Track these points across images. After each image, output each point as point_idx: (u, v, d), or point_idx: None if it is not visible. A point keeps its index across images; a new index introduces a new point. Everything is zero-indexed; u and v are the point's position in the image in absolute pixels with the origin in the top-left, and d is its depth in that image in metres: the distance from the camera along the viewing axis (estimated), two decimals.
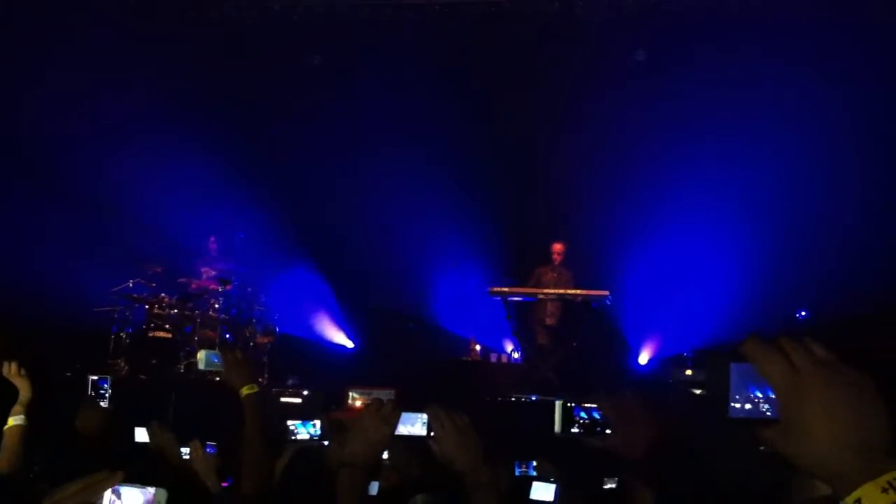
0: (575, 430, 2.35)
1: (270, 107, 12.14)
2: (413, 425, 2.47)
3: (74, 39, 10.68)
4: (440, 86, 10.96)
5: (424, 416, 2.44)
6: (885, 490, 1.06)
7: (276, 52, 11.79)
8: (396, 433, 2.46)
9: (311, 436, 4.19)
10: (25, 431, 3.12)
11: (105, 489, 1.83)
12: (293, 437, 4.16)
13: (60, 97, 10.72)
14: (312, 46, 11.99)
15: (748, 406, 1.21)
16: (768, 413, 1.19)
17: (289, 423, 4.23)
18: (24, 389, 3.18)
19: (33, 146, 10.75)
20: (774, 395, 1.17)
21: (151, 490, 1.90)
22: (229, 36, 11.56)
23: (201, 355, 3.62)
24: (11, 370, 3.21)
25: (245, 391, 3.24)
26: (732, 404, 1.22)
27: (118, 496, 1.87)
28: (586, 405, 2.35)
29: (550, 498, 3.58)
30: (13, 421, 3.12)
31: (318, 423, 4.06)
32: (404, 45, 11.34)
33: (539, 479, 3.75)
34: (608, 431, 2.29)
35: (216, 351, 3.51)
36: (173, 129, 10.72)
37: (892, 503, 1.05)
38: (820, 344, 1.17)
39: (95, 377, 4.36)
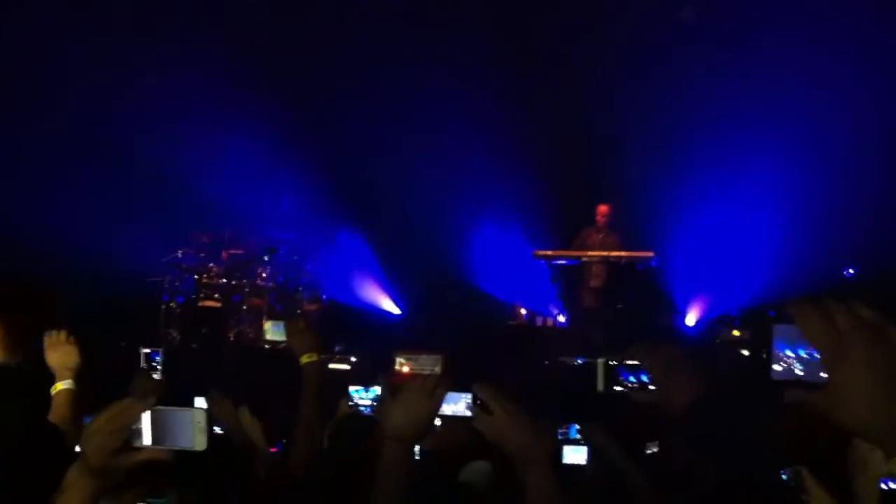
0: (618, 388, 2.33)
1: (315, 73, 12.13)
2: (457, 404, 2.46)
3: (124, 11, 10.77)
4: (483, 47, 10.87)
5: (469, 396, 2.40)
6: None
7: (318, 18, 11.77)
8: (440, 413, 2.44)
9: (373, 401, 4.21)
10: (75, 396, 3.14)
11: (138, 413, 1.88)
12: (352, 403, 4.20)
13: (112, 69, 10.81)
14: (351, 10, 11.95)
15: (794, 369, 1.20)
16: (815, 375, 1.18)
17: (350, 388, 4.26)
18: (72, 355, 3.21)
19: (85, 118, 10.87)
20: (819, 357, 1.16)
21: (189, 412, 1.92)
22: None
23: (268, 325, 3.69)
24: (60, 338, 3.24)
25: (304, 360, 3.30)
26: (775, 367, 1.21)
27: (155, 417, 1.91)
28: (630, 363, 2.33)
29: (583, 461, 3.57)
30: (62, 385, 3.15)
31: (378, 388, 4.05)
32: (445, 6, 11.26)
33: (570, 442, 3.72)
34: (651, 387, 2.27)
35: (280, 321, 3.58)
36: (221, 99, 10.77)
37: None
38: (866, 305, 1.16)
39: (148, 350, 4.38)
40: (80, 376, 3.20)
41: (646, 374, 2.31)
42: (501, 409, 2.31)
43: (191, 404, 2.13)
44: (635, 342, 2.27)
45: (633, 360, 2.30)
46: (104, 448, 1.86)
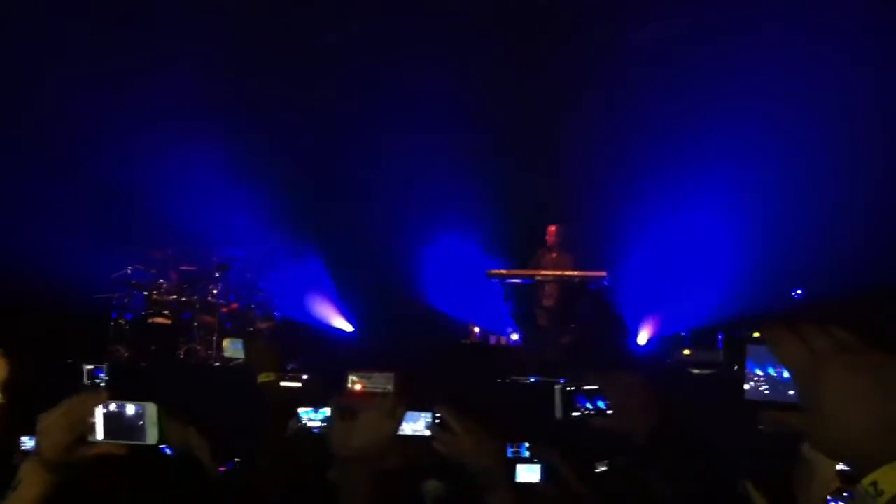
0: (576, 414, 2.32)
1: (269, 91, 12.08)
2: (416, 423, 2.45)
3: (91, 21, 10.66)
4: (438, 70, 10.92)
5: (428, 415, 2.40)
6: None
7: (273, 38, 11.74)
8: (399, 432, 2.43)
9: (322, 422, 4.18)
10: (4, 410, 3.03)
11: (92, 406, 1.87)
12: (301, 424, 4.17)
13: (62, 82, 10.67)
14: (314, 28, 11.94)
15: (764, 389, 1.21)
16: (775, 394, 1.19)
17: (299, 409, 4.23)
18: (1, 370, 3.07)
19: (34, 131, 10.72)
20: (793, 380, 1.17)
21: (141, 405, 1.93)
22: (231, 18, 11.51)
23: (226, 343, 3.67)
24: None
25: (262, 378, 3.27)
26: (746, 387, 1.22)
27: (108, 412, 1.91)
28: (587, 389, 2.33)
29: (536, 479, 3.56)
30: None
31: (329, 409, 4.02)
32: (402, 26, 11.28)
33: (522, 461, 3.71)
34: (609, 412, 2.26)
35: (239, 339, 3.55)
36: (173, 115, 10.69)
37: None
38: (841, 328, 1.16)
39: (91, 366, 4.29)
40: (7, 390, 3.08)
41: (603, 399, 2.30)
42: (463, 429, 2.31)
43: None
44: (591, 367, 2.26)
45: (590, 385, 2.29)
46: (59, 442, 1.86)
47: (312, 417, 4.20)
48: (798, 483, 2.53)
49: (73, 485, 1.91)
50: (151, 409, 1.93)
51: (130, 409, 1.92)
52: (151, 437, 1.93)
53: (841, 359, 1.13)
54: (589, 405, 2.32)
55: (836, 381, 1.12)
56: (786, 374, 1.19)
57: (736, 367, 1.23)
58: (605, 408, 2.27)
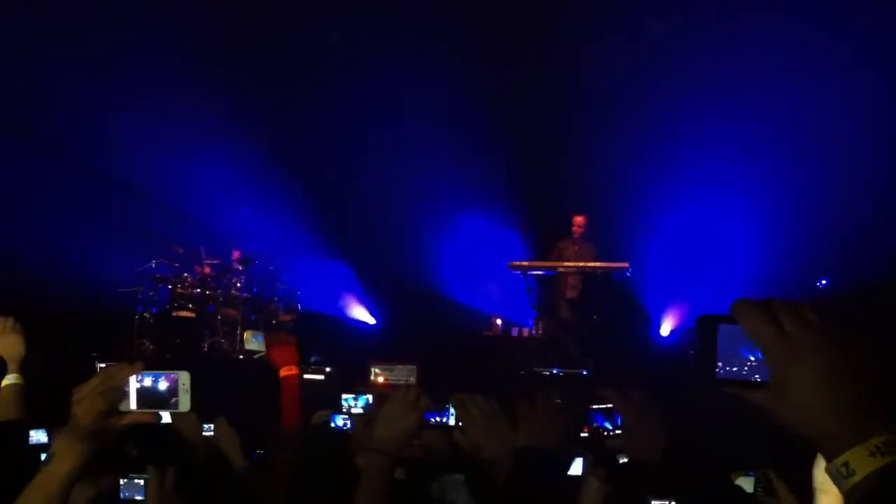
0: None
1: (292, 88, 12.10)
2: (442, 415, 2.46)
3: (110, 18, 10.73)
4: (459, 57, 10.90)
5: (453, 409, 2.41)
6: (872, 454, 1.06)
7: (286, 29, 11.75)
8: (427, 423, 2.44)
9: (364, 409, 4.20)
10: (22, 390, 3.04)
11: (127, 376, 1.91)
12: (347, 412, 4.19)
13: (85, 83, 10.75)
14: (323, 17, 11.95)
15: (736, 369, 1.21)
16: (757, 377, 1.19)
17: (343, 396, 4.25)
18: (18, 346, 3.11)
19: (61, 127, 10.82)
20: (764, 357, 1.16)
21: (175, 374, 1.97)
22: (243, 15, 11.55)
23: (248, 335, 3.69)
24: (6, 326, 3.13)
25: (283, 372, 3.30)
26: (720, 367, 1.22)
27: (142, 383, 1.94)
28: (603, 407, 2.30)
29: (579, 472, 3.57)
30: (7, 381, 3.05)
31: (370, 396, 4.03)
32: (417, 11, 11.26)
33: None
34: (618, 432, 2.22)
35: (260, 332, 3.58)
36: (196, 113, 10.74)
37: (879, 467, 1.06)
38: (812, 308, 1.16)
39: (103, 364, 4.28)
40: (24, 370, 3.09)
41: (619, 417, 2.28)
42: (480, 411, 2.31)
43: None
44: (605, 386, 2.22)
45: (603, 403, 2.26)
46: (94, 410, 1.88)
47: (353, 405, 4.23)
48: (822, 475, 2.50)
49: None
50: (185, 377, 1.96)
51: (163, 380, 1.95)
52: (184, 404, 1.96)
53: (811, 338, 1.13)
54: (608, 423, 2.30)
55: (804, 360, 1.12)
56: (758, 356, 1.18)
57: (707, 347, 1.22)
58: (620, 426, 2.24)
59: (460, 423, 2.40)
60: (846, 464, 1.08)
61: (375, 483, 2.31)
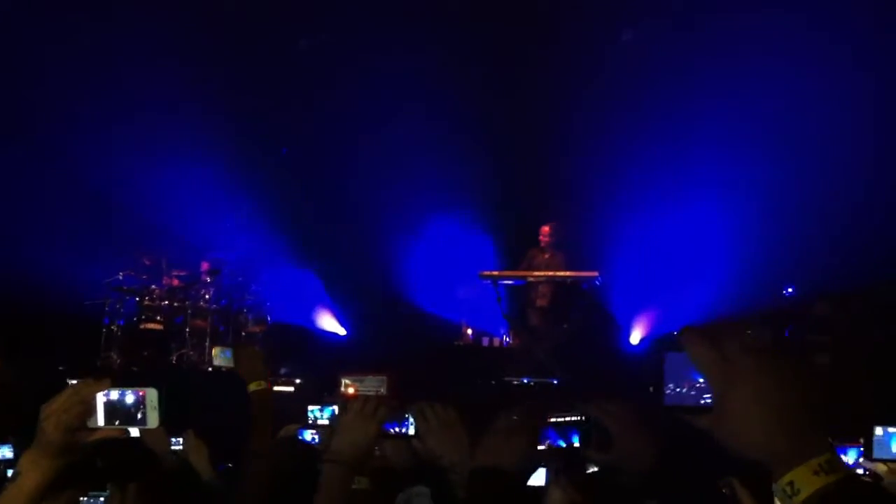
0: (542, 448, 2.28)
1: (258, 94, 12.06)
2: (402, 425, 2.46)
3: (79, 28, 10.63)
4: (429, 66, 10.93)
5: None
6: (816, 472, 1.09)
7: (255, 37, 11.71)
8: (386, 433, 2.43)
9: (330, 420, 4.17)
10: None
11: (94, 392, 1.90)
12: (314, 423, 4.17)
13: (55, 90, 10.64)
14: (300, 25, 11.93)
15: (684, 392, 1.24)
16: (705, 400, 1.22)
17: (309, 408, 4.23)
18: None
19: (24, 139, 10.70)
20: (707, 382, 1.20)
21: (142, 391, 1.97)
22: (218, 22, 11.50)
23: (216, 351, 3.68)
24: None
25: (252, 387, 3.27)
26: (668, 392, 1.25)
27: (109, 398, 1.94)
28: (559, 422, 2.28)
29: (541, 482, 3.55)
30: None
31: (336, 407, 4.02)
32: (388, 20, 11.27)
33: None
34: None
35: (229, 347, 3.56)
36: (165, 121, 10.68)
37: (824, 485, 1.08)
38: (755, 330, 1.18)
39: (74, 381, 4.24)
40: None
41: (577, 433, 2.26)
42: (437, 419, 2.31)
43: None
44: (591, 397, 2.19)
45: (587, 414, 2.20)
46: (61, 427, 1.88)
47: (319, 416, 4.21)
48: None
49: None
50: (152, 394, 1.97)
51: (130, 395, 1.95)
52: (152, 420, 1.96)
53: (749, 361, 1.15)
54: (561, 441, 2.28)
55: (743, 382, 1.14)
56: (702, 380, 1.22)
57: (655, 375, 1.26)
58: (578, 443, 2.22)
59: (416, 432, 2.39)
60: (791, 483, 1.10)
61: (332, 492, 2.30)
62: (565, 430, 2.27)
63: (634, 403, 2.12)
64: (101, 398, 1.93)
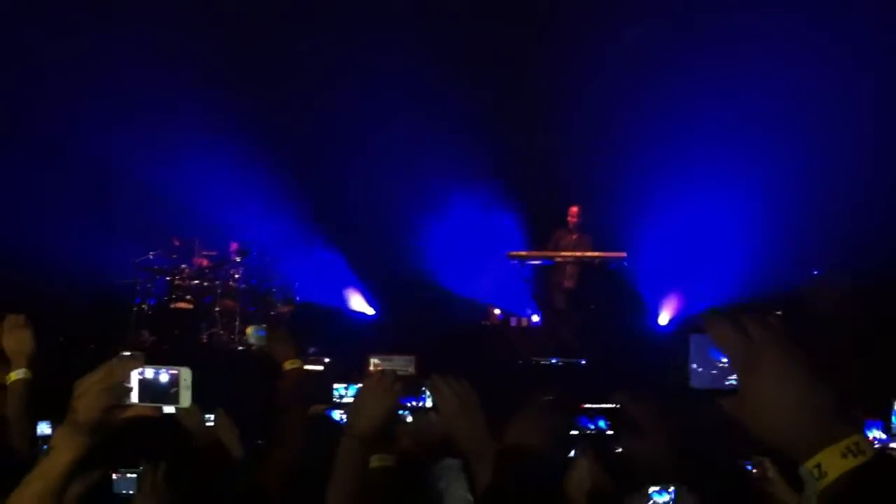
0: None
1: (286, 79, 12.09)
2: (419, 399, 2.47)
3: (99, 16, 10.70)
4: (453, 51, 10.90)
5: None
6: (844, 455, 1.09)
7: (288, 25, 11.74)
8: (403, 407, 2.44)
9: (355, 398, 4.19)
10: (30, 386, 3.04)
11: (129, 370, 1.92)
12: (339, 402, 4.19)
13: (83, 76, 10.73)
14: (319, 18, 11.93)
15: (709, 373, 1.24)
16: (730, 382, 1.22)
17: (334, 386, 4.25)
18: (28, 341, 3.08)
19: (58, 122, 10.80)
20: (731, 366, 1.20)
21: (176, 369, 1.99)
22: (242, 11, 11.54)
23: (250, 331, 3.71)
24: (18, 321, 3.11)
25: (287, 365, 3.30)
26: (693, 375, 1.25)
27: (144, 377, 1.96)
28: (592, 408, 2.30)
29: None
30: (15, 375, 3.04)
31: (361, 384, 4.02)
32: (409, 9, 11.24)
33: None
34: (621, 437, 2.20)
35: (263, 326, 3.60)
36: (193, 105, 10.73)
37: (852, 467, 1.08)
38: (779, 317, 1.19)
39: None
40: (32, 365, 3.09)
41: (604, 419, 2.27)
42: (453, 393, 2.32)
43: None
44: (619, 389, 2.21)
45: (614, 403, 2.24)
46: (95, 405, 1.89)
47: (345, 394, 4.23)
48: None
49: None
50: (185, 373, 1.99)
51: (165, 374, 1.97)
52: (184, 399, 1.98)
53: (776, 346, 1.16)
54: (591, 426, 2.30)
55: (770, 367, 1.15)
56: (725, 361, 1.23)
57: (680, 358, 1.27)
58: (605, 428, 2.24)
59: (433, 406, 2.40)
60: (818, 465, 1.10)
61: (346, 467, 2.32)
62: (594, 416, 2.28)
63: (658, 405, 2.15)
64: (135, 376, 1.95)
